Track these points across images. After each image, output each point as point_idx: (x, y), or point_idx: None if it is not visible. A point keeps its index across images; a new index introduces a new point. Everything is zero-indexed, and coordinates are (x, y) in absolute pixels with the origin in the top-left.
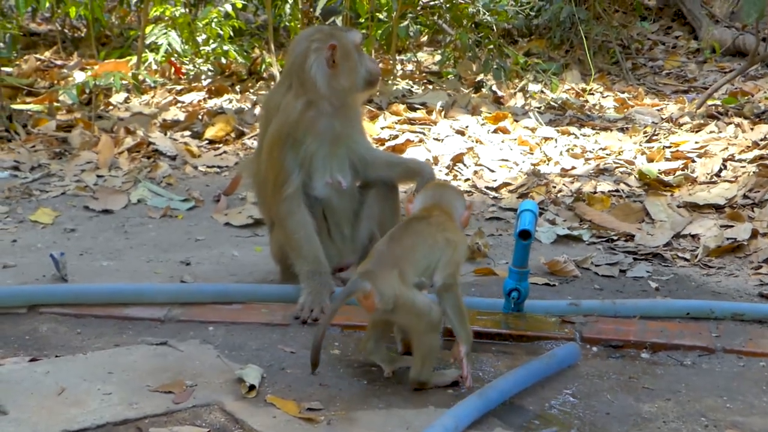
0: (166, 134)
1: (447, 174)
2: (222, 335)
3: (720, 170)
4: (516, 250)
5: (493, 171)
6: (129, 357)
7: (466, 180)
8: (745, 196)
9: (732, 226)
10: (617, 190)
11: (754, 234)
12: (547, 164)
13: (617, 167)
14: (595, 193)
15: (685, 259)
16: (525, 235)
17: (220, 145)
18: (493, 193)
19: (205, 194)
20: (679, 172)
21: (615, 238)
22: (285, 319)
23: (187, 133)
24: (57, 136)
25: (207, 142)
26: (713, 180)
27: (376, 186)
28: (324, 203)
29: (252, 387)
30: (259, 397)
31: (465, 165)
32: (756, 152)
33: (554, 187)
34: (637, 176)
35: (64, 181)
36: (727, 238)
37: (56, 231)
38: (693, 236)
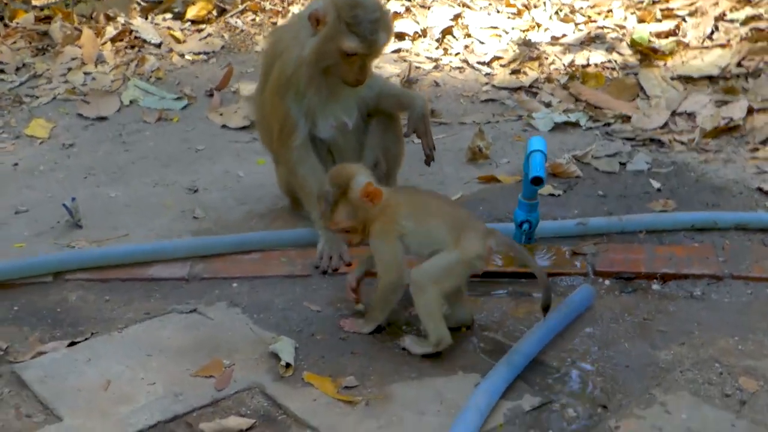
0: (147, 18)
1: (437, 48)
2: (246, 293)
3: (712, 32)
4: (526, 185)
5: (483, 43)
6: (162, 332)
7: (457, 54)
8: (739, 65)
9: (727, 102)
10: (610, 61)
11: (750, 111)
12: (537, 31)
13: (608, 33)
14: (587, 65)
15: (682, 143)
16: (537, 181)
17: (203, 26)
18: (486, 69)
19: (197, 89)
20: (671, 37)
21: (612, 121)
22: (305, 269)
23: (168, 15)
24: (37, 29)
25: (189, 23)
26: (705, 44)
27: (378, 115)
28: (329, 142)
29: (288, 364)
30: (296, 375)
31: (455, 37)
32: (747, 10)
33: (546, 58)
34: (629, 43)
35: (52, 83)
36: (723, 118)
37: (54, 147)
38: (689, 114)
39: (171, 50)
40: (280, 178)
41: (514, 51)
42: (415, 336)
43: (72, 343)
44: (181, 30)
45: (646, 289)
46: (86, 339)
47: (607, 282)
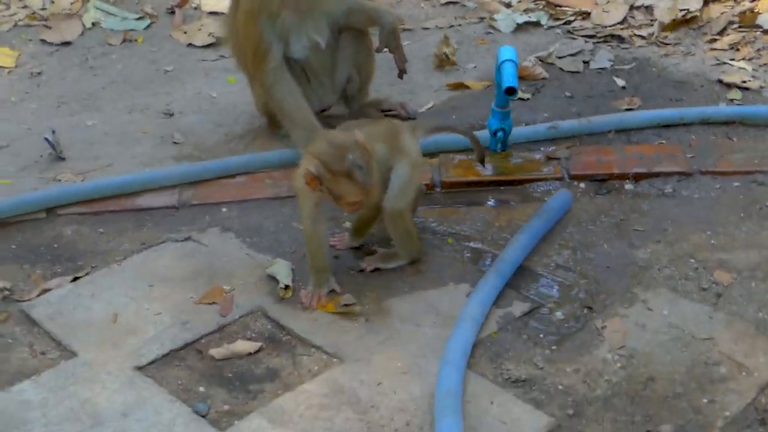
0: None
1: None
2: (236, 217)
3: None
4: (499, 95)
5: None
6: (160, 261)
7: None
8: None
9: None
10: None
11: (706, 2)
12: None
13: None
14: None
15: (642, 37)
16: (510, 91)
17: None
18: None
19: (157, 6)
20: None
21: (572, 18)
22: (291, 190)
23: None
24: None
25: None
26: None
27: (349, 31)
28: (303, 62)
29: (287, 286)
30: (295, 296)
31: None
32: None
33: None
34: None
35: (10, 9)
36: (680, 10)
37: (22, 76)
38: (647, 8)
39: None
40: (257, 98)
41: None
42: (383, 252)
43: (75, 279)
44: None
45: (620, 189)
46: (87, 273)
47: (582, 185)
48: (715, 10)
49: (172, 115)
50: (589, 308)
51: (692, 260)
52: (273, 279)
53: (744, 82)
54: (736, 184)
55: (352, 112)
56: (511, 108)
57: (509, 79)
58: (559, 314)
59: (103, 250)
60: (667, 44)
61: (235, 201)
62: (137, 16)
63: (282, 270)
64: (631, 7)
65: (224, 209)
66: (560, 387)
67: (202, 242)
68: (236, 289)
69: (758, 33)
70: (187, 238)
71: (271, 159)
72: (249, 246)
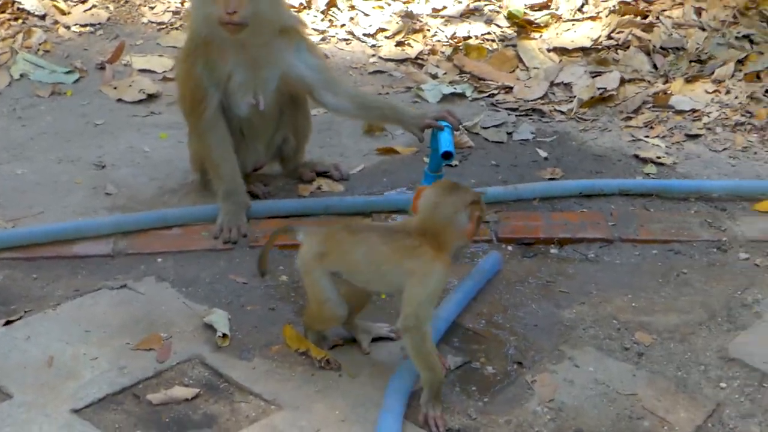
0: None
1: (323, 20)
2: (172, 267)
3: (582, 5)
4: (433, 158)
5: (367, 15)
6: (96, 308)
7: (342, 26)
8: (609, 37)
9: (601, 73)
10: (489, 33)
11: (622, 82)
12: (418, 3)
13: (486, 5)
14: (468, 37)
15: (562, 113)
16: (447, 155)
17: None
18: (372, 41)
19: (87, 61)
20: (544, 10)
21: (495, 92)
22: (227, 243)
23: None
24: None
25: None
26: (577, 17)
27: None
28: (243, 120)
29: (224, 335)
30: (233, 345)
31: (339, 9)
32: None
33: (428, 30)
34: (506, 16)
35: None
36: (598, 88)
37: None
38: (566, 85)
39: (56, 22)
40: (193, 153)
41: (397, 23)
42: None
43: (8, 322)
44: (65, 1)
45: (546, 253)
46: (21, 317)
47: (510, 247)
48: (630, 90)
49: (104, 167)
50: (519, 363)
51: (615, 321)
52: (210, 328)
53: (658, 157)
54: (654, 251)
55: (287, 172)
56: (444, 173)
57: (446, 144)
58: (490, 368)
59: (38, 295)
60: (585, 120)
61: (170, 252)
62: (66, 69)
63: (220, 319)
64: (552, 84)
65: (159, 259)
66: None
67: (138, 290)
68: (173, 336)
69: (670, 113)
70: (123, 286)
71: (201, 213)
72: (185, 296)
